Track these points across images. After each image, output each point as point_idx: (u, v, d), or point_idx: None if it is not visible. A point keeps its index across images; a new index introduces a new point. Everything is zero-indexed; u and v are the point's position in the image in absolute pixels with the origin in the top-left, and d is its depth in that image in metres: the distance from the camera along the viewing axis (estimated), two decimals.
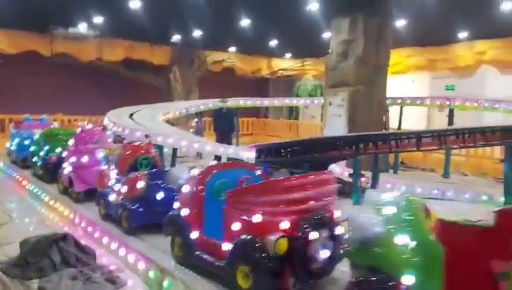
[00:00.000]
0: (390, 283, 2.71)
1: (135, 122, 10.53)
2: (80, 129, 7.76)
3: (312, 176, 3.79)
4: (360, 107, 9.97)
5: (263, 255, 3.33)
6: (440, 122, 13.40)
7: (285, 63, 20.56)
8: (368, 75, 10.03)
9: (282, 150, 6.44)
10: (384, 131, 9.82)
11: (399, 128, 11.25)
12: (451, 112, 10.75)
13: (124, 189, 5.51)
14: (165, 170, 5.72)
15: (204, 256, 3.96)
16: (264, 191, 3.66)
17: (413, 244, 2.73)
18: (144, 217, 5.26)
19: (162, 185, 5.33)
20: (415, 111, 13.62)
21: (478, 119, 13.00)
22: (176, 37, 16.11)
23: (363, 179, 6.19)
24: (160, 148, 10.01)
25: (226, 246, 3.73)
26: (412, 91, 15.58)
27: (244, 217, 3.61)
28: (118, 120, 10.11)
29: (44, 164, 8.27)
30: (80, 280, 4.12)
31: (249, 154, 7.78)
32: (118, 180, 5.78)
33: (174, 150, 10.20)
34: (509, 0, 9.46)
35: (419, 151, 7.45)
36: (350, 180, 6.28)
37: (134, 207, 5.29)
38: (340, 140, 5.67)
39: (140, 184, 5.35)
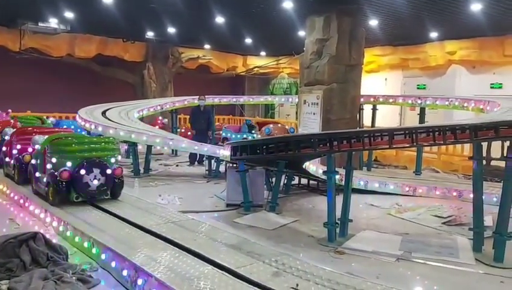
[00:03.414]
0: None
1: (108, 120, 10.36)
2: None
3: (46, 130, 8.42)
4: (334, 105, 10.09)
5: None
6: (412, 121, 13.69)
7: (261, 61, 20.58)
8: (342, 73, 10.15)
9: (258, 148, 6.44)
10: (358, 129, 9.95)
11: (372, 126, 11.42)
12: (422, 110, 10.98)
13: None
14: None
15: None
16: (21, 134, 8.12)
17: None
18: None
19: None
20: (387, 109, 13.88)
21: (448, 118, 13.35)
22: (150, 34, 15.92)
23: (337, 177, 6.26)
24: (133, 145, 9.90)
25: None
26: (385, 90, 15.88)
27: (16, 146, 7.88)
28: (90, 118, 9.93)
29: None
30: (52, 280, 4.02)
31: (224, 152, 7.77)
32: None
33: (149, 147, 10.09)
34: (477, 2, 9.72)
35: (391, 149, 7.60)
36: (324, 177, 6.35)
37: None
38: (315, 138, 5.70)
39: None
